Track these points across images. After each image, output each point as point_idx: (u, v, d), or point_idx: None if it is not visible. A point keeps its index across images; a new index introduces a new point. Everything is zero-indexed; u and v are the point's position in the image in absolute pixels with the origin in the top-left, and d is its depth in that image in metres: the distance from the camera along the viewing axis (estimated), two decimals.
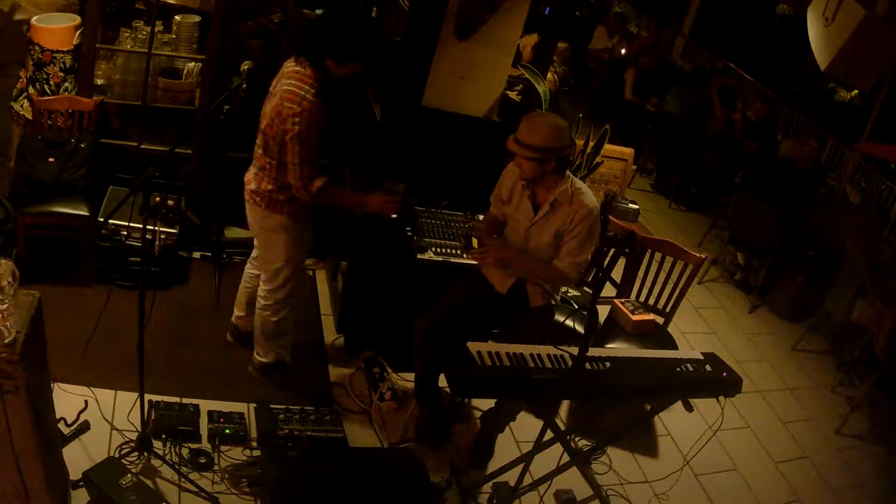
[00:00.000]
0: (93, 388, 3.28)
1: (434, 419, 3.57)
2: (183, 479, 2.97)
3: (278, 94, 3.03)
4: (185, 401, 3.33)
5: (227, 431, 3.24)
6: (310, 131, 2.99)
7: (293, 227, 3.29)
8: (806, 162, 6.29)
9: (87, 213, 3.80)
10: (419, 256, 3.61)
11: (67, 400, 3.16)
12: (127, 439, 3.09)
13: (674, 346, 4.01)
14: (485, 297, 3.40)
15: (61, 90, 4.07)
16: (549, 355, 2.83)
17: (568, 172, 3.16)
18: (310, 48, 3.04)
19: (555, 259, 3.17)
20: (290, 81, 3.01)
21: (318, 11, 4.66)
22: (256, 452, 3.20)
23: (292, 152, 3.02)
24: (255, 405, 3.44)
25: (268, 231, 3.30)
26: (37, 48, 3.97)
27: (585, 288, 4.23)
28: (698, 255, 4.12)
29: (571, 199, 3.10)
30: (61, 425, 3.00)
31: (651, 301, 4.24)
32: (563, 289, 4.08)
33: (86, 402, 3.19)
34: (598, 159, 4.95)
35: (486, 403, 3.82)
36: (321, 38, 3.02)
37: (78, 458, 2.94)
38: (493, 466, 3.46)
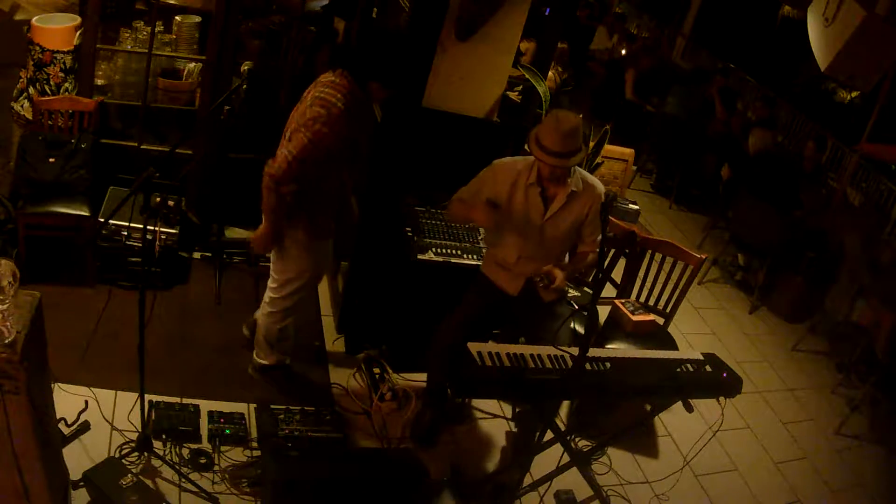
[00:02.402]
0: (93, 388, 3.27)
1: (436, 423, 3.58)
2: (183, 480, 2.97)
3: (309, 100, 3.02)
4: (186, 401, 3.33)
5: (228, 432, 3.23)
6: (326, 138, 2.95)
7: (308, 244, 3.27)
8: (808, 163, 6.31)
9: (87, 214, 3.80)
10: (419, 257, 3.61)
11: (67, 400, 3.16)
12: (127, 439, 3.08)
13: (674, 347, 4.00)
14: (500, 303, 3.41)
15: (62, 90, 4.07)
16: (549, 356, 2.84)
17: None
18: (359, 68, 3.03)
19: (580, 246, 3.32)
20: (324, 90, 3.01)
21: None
22: (257, 453, 3.20)
23: (296, 143, 2.95)
24: (255, 405, 3.44)
25: (283, 242, 3.27)
26: (37, 48, 3.97)
27: (586, 288, 4.23)
28: (698, 256, 4.12)
29: (584, 187, 3.20)
30: (61, 425, 3.00)
31: (651, 301, 4.24)
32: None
33: (86, 402, 3.19)
34: (598, 160, 4.97)
35: (485, 404, 3.83)
36: (375, 60, 3.02)
37: (78, 458, 2.94)
38: (493, 466, 3.46)
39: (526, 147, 3.14)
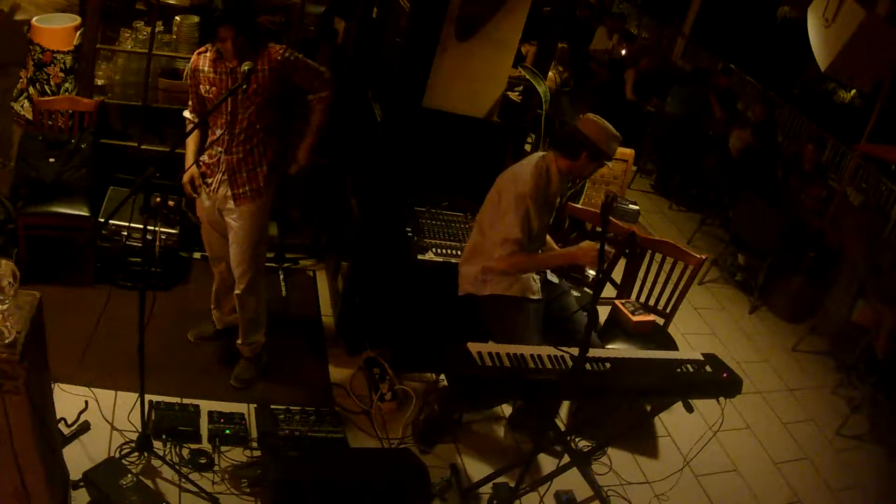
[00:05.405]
0: (93, 388, 3.28)
1: (440, 425, 3.58)
2: (183, 480, 2.97)
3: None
4: (186, 401, 3.33)
5: (228, 432, 3.24)
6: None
7: None
8: (808, 164, 6.32)
9: (87, 214, 3.80)
10: (420, 257, 3.61)
11: (67, 400, 3.17)
12: (127, 439, 3.08)
13: (674, 347, 4.01)
14: (541, 312, 3.42)
15: (62, 90, 4.07)
16: (549, 356, 2.83)
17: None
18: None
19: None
20: None
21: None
22: (257, 453, 3.21)
23: None
24: (255, 406, 3.44)
25: None
26: (37, 48, 3.97)
27: (586, 289, 4.23)
28: (698, 256, 4.12)
29: None
30: (61, 425, 3.00)
31: (651, 302, 4.24)
32: None
33: (86, 402, 3.19)
34: None
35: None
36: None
37: (78, 458, 2.94)
38: (493, 467, 3.46)
39: (589, 162, 3.37)
